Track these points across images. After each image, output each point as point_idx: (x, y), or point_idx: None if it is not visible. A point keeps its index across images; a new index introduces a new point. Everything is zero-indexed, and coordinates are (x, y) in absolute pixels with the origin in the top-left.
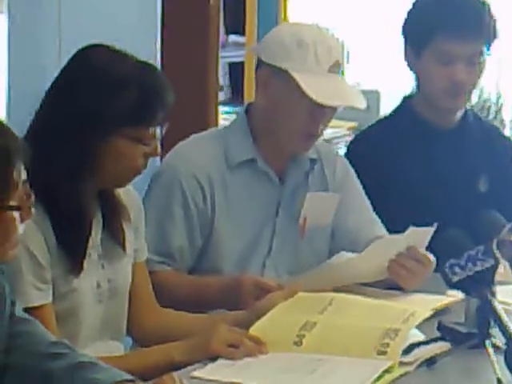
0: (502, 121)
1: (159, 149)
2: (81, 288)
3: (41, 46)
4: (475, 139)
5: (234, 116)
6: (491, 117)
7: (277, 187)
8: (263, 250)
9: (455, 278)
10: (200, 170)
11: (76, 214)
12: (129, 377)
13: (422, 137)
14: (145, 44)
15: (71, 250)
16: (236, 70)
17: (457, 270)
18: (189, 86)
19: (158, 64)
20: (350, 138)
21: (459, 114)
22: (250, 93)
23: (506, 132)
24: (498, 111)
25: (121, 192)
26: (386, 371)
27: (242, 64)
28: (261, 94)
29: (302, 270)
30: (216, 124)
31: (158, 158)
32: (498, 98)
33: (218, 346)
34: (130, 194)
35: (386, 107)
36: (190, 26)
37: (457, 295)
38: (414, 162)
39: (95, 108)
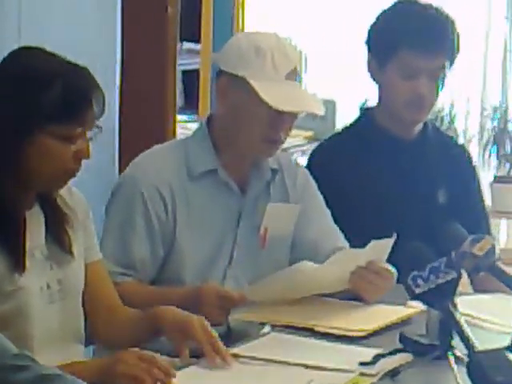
0: (455, 130)
1: (90, 150)
2: (27, 287)
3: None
4: (435, 151)
5: (188, 124)
6: (445, 127)
7: (238, 197)
8: (224, 260)
9: (418, 290)
10: (161, 180)
11: (4, 213)
12: None
13: (383, 148)
14: (104, 51)
15: (8, 248)
16: (190, 78)
17: (419, 281)
18: (147, 93)
19: (117, 71)
20: (306, 148)
21: (419, 125)
22: (204, 101)
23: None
24: (451, 121)
25: (65, 194)
26: (351, 382)
27: (196, 71)
28: (220, 103)
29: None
30: (174, 132)
31: (117, 169)
32: (451, 108)
33: (114, 378)
34: (73, 195)
35: (342, 117)
36: (148, 34)
37: (418, 306)
38: (374, 173)
39: (18, 106)
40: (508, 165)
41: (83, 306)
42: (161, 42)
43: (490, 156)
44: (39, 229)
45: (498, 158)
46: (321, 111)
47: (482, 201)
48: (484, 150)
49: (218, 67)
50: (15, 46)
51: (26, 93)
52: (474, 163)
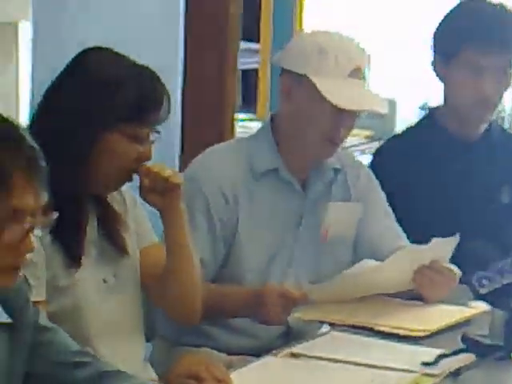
0: None
1: (152, 152)
2: (83, 282)
3: (64, 53)
4: (499, 150)
5: (246, 123)
6: (506, 127)
7: (300, 197)
8: (285, 259)
9: (483, 290)
10: (223, 179)
11: (74, 206)
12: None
13: (446, 148)
14: (166, 51)
15: (67, 243)
16: (248, 77)
17: (485, 281)
18: (207, 92)
19: (179, 70)
20: (366, 147)
21: (484, 125)
22: (262, 100)
23: None
24: None
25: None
26: (414, 383)
27: (254, 71)
28: (283, 102)
29: (323, 280)
30: (232, 131)
31: (178, 168)
32: None
33: (173, 378)
34: (122, 192)
35: (402, 117)
36: (210, 34)
37: (480, 307)
38: (438, 173)
39: (93, 105)
40: None
41: (151, 293)
42: (222, 42)
43: None
44: (92, 225)
45: None
46: (384, 110)
47: None
48: None
49: (280, 67)
50: (78, 45)
51: (102, 93)
52: None
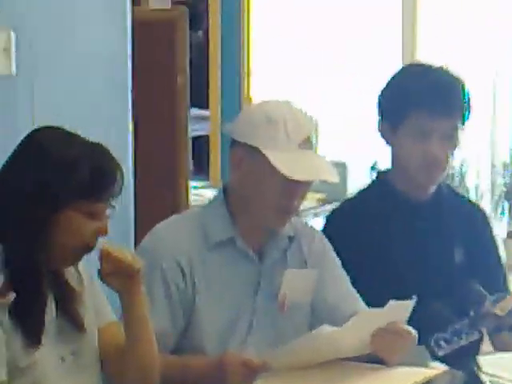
0: (466, 188)
1: (108, 227)
2: (43, 361)
3: (15, 130)
4: (450, 210)
5: (200, 190)
6: (456, 185)
7: (256, 265)
8: (244, 327)
9: (441, 352)
10: (179, 251)
11: (32, 285)
12: None
13: (398, 210)
14: (116, 122)
15: (26, 323)
16: (199, 144)
17: (442, 343)
18: (159, 161)
19: (129, 141)
20: (319, 210)
21: (433, 187)
22: (215, 166)
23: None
24: (462, 179)
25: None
26: None
27: (205, 137)
28: (235, 173)
29: (284, 346)
30: (187, 199)
31: (133, 239)
32: (462, 165)
33: None
34: (79, 270)
35: (354, 179)
36: (159, 103)
37: (440, 367)
38: (391, 235)
39: (48, 186)
40: None
41: (109, 371)
42: (171, 110)
43: (502, 212)
44: (50, 303)
45: (510, 213)
46: (335, 179)
47: (499, 257)
48: (496, 205)
49: (231, 138)
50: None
51: (57, 173)
52: (489, 221)
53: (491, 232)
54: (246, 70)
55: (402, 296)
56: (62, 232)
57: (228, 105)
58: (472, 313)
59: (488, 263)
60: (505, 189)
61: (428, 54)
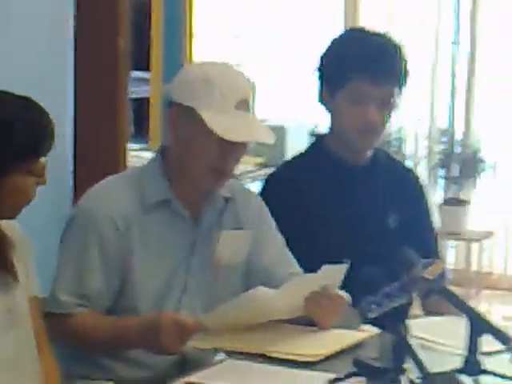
0: (403, 154)
1: (46, 178)
2: None
3: None
4: (385, 176)
5: (139, 152)
6: (393, 151)
7: (192, 227)
8: (179, 288)
9: (371, 315)
10: (115, 211)
11: None
12: None
13: (335, 174)
14: (56, 81)
15: None
16: (139, 106)
17: (373, 306)
18: (99, 122)
19: (70, 101)
20: (257, 174)
21: (370, 152)
22: (154, 129)
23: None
24: (400, 145)
25: (8, 229)
26: None
27: (145, 100)
28: (171, 134)
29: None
30: (124, 161)
31: (71, 199)
32: (399, 132)
33: None
34: (15, 230)
35: (292, 143)
36: (99, 64)
37: (370, 330)
38: (327, 199)
39: None
40: (456, 187)
41: None
42: (112, 72)
43: (438, 178)
44: None
45: (445, 180)
46: (271, 140)
47: (432, 223)
48: (432, 172)
49: (168, 98)
50: None
51: None
52: (423, 187)
53: (425, 197)
54: (188, 33)
55: (335, 260)
56: (7, 194)
57: (170, 67)
58: (403, 277)
59: (421, 228)
60: (442, 156)
61: (369, 19)
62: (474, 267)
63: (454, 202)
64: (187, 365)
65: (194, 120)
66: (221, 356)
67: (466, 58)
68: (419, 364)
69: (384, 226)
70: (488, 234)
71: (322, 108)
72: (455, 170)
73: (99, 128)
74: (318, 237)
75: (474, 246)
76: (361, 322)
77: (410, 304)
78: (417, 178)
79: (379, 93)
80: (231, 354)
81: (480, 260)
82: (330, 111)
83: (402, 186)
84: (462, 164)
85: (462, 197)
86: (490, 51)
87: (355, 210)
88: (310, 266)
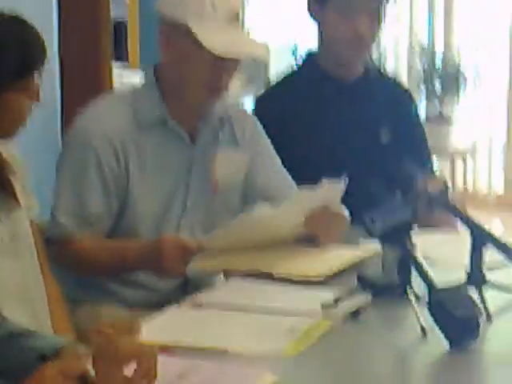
0: (385, 72)
1: (41, 94)
2: None
3: None
4: (378, 92)
5: (120, 71)
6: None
7: (188, 147)
8: (178, 209)
9: (376, 230)
10: (112, 131)
11: None
12: (68, 342)
13: (327, 91)
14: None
15: None
16: (119, 29)
17: (377, 222)
18: (83, 44)
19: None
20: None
21: (361, 68)
22: (133, 51)
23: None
24: (381, 62)
25: (3, 151)
26: (314, 327)
27: (123, 23)
28: (164, 52)
29: (217, 227)
30: (110, 80)
31: (59, 122)
32: (379, 48)
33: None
34: (12, 153)
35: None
36: None
37: (372, 247)
38: (321, 117)
39: None
40: (438, 104)
41: None
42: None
43: (419, 95)
44: None
45: (427, 97)
46: (267, 55)
47: (426, 142)
48: (413, 89)
49: (159, 16)
50: None
51: None
52: (413, 100)
53: (416, 111)
54: None
55: (331, 175)
56: (2, 112)
57: None
58: (406, 191)
59: (414, 141)
60: (422, 73)
61: None
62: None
63: (437, 120)
64: (190, 286)
65: (187, 37)
66: (221, 278)
67: None
68: (426, 279)
69: (375, 141)
70: (472, 150)
71: (311, 20)
72: (436, 87)
73: (83, 50)
74: (313, 154)
75: (459, 164)
76: (364, 238)
77: (414, 219)
78: (408, 92)
79: (367, 3)
80: (233, 274)
81: (465, 178)
82: (319, 24)
83: (395, 101)
84: (444, 80)
85: (445, 113)
86: None
87: (346, 125)
88: (306, 183)
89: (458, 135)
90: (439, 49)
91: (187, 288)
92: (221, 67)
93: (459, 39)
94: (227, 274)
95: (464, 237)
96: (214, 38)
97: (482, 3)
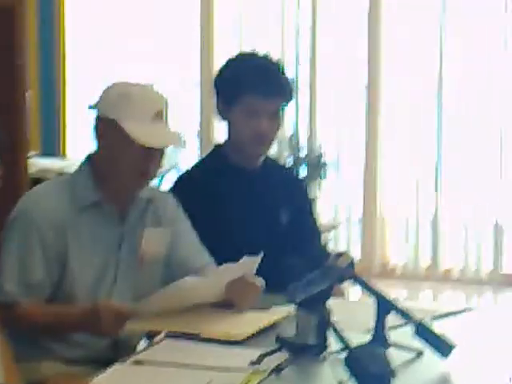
0: None
1: None
2: None
3: None
4: (276, 179)
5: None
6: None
7: (119, 225)
8: (109, 279)
9: (298, 298)
10: (52, 212)
11: None
12: None
13: (233, 178)
14: None
15: None
16: None
17: (299, 290)
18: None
19: None
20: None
21: (261, 158)
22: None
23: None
24: None
25: None
26: (246, 380)
27: None
28: (100, 144)
29: (144, 296)
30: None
31: None
32: None
33: None
34: None
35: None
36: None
37: (285, 311)
38: (228, 201)
39: None
40: None
41: None
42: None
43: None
44: None
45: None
46: (183, 146)
47: (315, 218)
48: None
49: (96, 114)
50: None
51: None
52: (305, 186)
53: (308, 196)
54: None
55: (238, 252)
56: None
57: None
58: (323, 266)
59: (307, 223)
60: (290, 160)
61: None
62: None
63: None
64: (119, 346)
65: (118, 131)
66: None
67: (308, 77)
68: (342, 339)
69: (279, 221)
70: (334, 226)
71: (219, 118)
72: (303, 172)
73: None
74: (223, 233)
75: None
76: (278, 304)
77: (330, 289)
78: (300, 180)
79: (268, 106)
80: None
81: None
82: (227, 123)
83: (288, 187)
84: (308, 167)
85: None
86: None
87: (254, 210)
88: (218, 257)
89: (322, 213)
90: (303, 139)
91: (117, 347)
92: (148, 156)
93: (321, 131)
94: (152, 335)
95: (367, 304)
96: (140, 132)
97: (339, 102)
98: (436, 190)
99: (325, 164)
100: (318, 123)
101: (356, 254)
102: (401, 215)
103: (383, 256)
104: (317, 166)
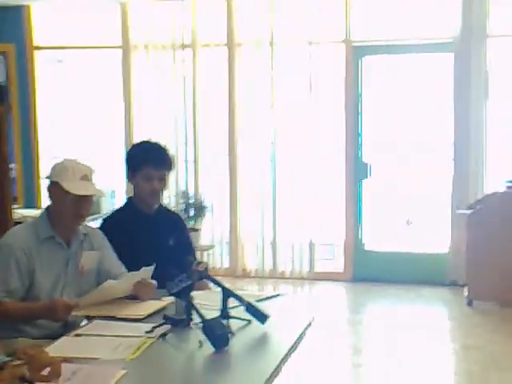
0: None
1: None
2: None
3: None
4: (165, 219)
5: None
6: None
7: (66, 250)
8: (61, 285)
9: (173, 291)
10: (24, 244)
11: None
12: (8, 359)
13: (139, 220)
14: None
15: None
16: None
17: (174, 286)
18: None
19: None
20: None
21: (156, 206)
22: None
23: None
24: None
25: None
26: (142, 343)
27: None
28: (51, 199)
29: (84, 294)
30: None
31: None
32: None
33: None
34: None
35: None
36: None
37: (169, 300)
38: (136, 236)
39: None
40: (192, 222)
41: None
42: None
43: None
44: None
45: (187, 218)
46: (103, 195)
47: (191, 242)
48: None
49: (49, 179)
50: None
51: None
52: (184, 222)
53: (186, 228)
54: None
55: (145, 265)
56: None
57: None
58: (188, 270)
59: (187, 244)
60: (184, 205)
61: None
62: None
63: (192, 231)
64: (68, 326)
65: (60, 188)
66: (85, 321)
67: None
68: (200, 315)
69: (167, 246)
70: (211, 246)
71: (128, 181)
72: (191, 213)
73: None
74: (134, 254)
75: (205, 254)
76: (165, 295)
77: (193, 284)
78: (182, 219)
79: (158, 174)
80: (95, 318)
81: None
82: (133, 184)
83: (173, 223)
84: (195, 209)
85: (196, 227)
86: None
87: (151, 239)
88: (131, 268)
89: (203, 238)
90: (191, 191)
91: (66, 327)
92: (79, 203)
93: (202, 186)
94: (89, 318)
95: (217, 292)
96: (72, 187)
97: (214, 167)
98: (274, 221)
99: (205, 207)
100: (200, 182)
101: (225, 263)
102: (252, 238)
103: (242, 264)
104: (200, 208)
